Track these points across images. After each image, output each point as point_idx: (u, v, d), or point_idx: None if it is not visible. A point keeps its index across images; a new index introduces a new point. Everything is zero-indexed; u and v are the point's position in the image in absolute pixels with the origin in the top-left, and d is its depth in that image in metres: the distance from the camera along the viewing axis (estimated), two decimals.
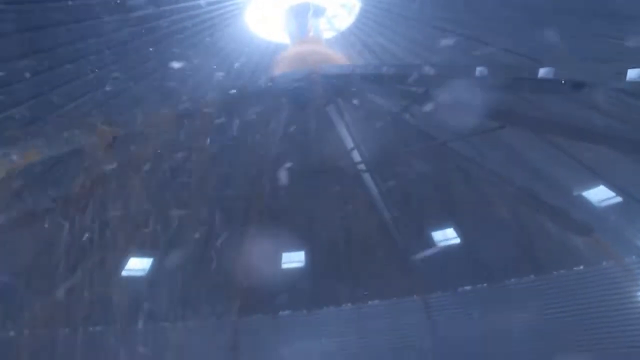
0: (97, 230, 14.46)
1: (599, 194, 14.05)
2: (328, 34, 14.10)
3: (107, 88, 12.78)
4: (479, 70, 8.30)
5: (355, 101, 14.08)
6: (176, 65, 13.21)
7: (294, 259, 16.69)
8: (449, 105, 11.99)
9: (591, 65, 10.46)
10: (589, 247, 14.22)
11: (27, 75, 10.94)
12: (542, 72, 7.31)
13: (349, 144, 15.38)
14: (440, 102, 12.09)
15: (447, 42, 13.09)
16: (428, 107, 12.99)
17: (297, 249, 16.60)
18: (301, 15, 13.45)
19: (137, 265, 15.98)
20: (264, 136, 14.03)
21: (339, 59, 13.00)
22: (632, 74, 5.67)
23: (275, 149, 14.25)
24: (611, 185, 13.78)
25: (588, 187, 14.09)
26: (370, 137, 15.24)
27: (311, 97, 12.64)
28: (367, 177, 16.17)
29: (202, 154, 13.26)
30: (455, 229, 16.25)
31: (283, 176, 14.03)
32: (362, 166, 15.71)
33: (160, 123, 11.18)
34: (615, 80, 6.20)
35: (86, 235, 14.14)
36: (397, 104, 13.30)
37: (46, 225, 13.29)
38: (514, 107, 11.74)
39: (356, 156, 15.64)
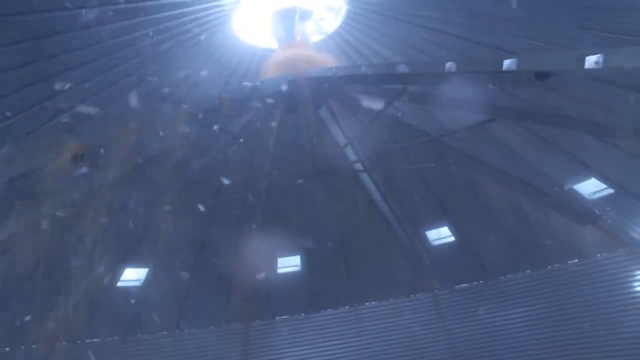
0: (90, 242, 14.41)
1: (591, 187, 14.17)
2: (316, 37, 14.10)
3: (91, 99, 12.65)
4: (448, 65, 8.27)
5: (343, 102, 14.11)
6: (163, 76, 13.16)
7: (289, 263, 16.68)
8: (439, 100, 12.05)
9: (555, 53, 10.50)
10: (592, 236, 14.28)
11: None
12: (507, 63, 7.24)
13: (342, 142, 15.36)
14: (429, 97, 12.14)
15: (434, 41, 13.20)
16: (414, 103, 13.06)
17: (293, 253, 16.59)
18: (288, 20, 13.43)
19: (133, 275, 15.92)
20: (257, 140, 14.04)
21: (328, 61, 13.01)
22: (590, 60, 5.68)
23: (269, 152, 14.23)
24: (602, 177, 13.91)
25: (579, 180, 14.21)
26: (362, 136, 15.26)
27: (300, 100, 12.64)
28: (363, 176, 16.15)
29: (195, 160, 13.23)
30: (449, 227, 16.32)
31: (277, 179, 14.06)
32: (358, 166, 15.67)
33: (129, 137, 10.99)
34: (577, 67, 6.13)
35: (79, 247, 14.10)
36: (382, 101, 13.34)
37: (39, 238, 13.18)
38: (499, 99, 11.80)
39: (351, 155, 15.62)
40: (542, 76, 7.37)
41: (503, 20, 11.85)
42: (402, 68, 9.87)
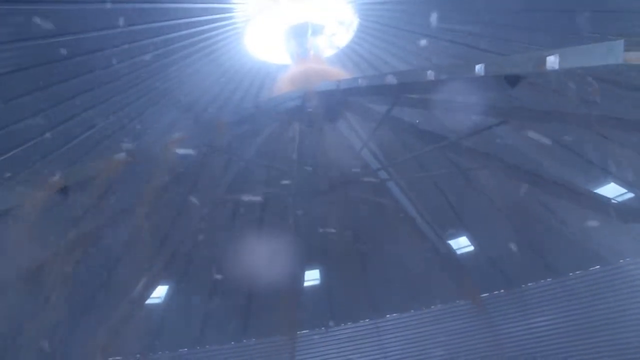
0: (111, 261, 14.58)
1: (610, 192, 14.01)
2: (329, 52, 14.17)
3: (100, 124, 12.75)
4: (429, 73, 8.19)
5: (358, 112, 14.10)
6: (176, 97, 13.24)
7: (309, 277, 16.68)
8: (445, 105, 11.98)
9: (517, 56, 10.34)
10: (615, 242, 14.02)
11: None
12: (478, 68, 7.08)
13: (358, 152, 15.31)
14: (435, 103, 12.06)
15: (446, 51, 13.22)
16: (423, 109, 13.00)
17: (313, 266, 16.58)
18: (300, 35, 13.52)
19: (154, 292, 15.99)
20: (273, 158, 14.10)
21: (342, 75, 13.04)
22: (550, 60, 5.60)
23: (286, 169, 14.26)
24: (621, 182, 13.76)
25: (598, 185, 14.06)
26: (376, 144, 15.21)
27: (313, 115, 12.66)
28: (380, 185, 16.04)
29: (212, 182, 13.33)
30: (468, 236, 16.21)
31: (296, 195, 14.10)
32: (382, 174, 15.57)
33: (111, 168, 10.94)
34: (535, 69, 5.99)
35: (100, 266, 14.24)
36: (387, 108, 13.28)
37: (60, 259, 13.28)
38: (508, 101, 11.68)
39: (368, 164, 15.52)
40: (512, 80, 7.23)
41: (521, 30, 11.83)
42: (390, 79, 9.83)
